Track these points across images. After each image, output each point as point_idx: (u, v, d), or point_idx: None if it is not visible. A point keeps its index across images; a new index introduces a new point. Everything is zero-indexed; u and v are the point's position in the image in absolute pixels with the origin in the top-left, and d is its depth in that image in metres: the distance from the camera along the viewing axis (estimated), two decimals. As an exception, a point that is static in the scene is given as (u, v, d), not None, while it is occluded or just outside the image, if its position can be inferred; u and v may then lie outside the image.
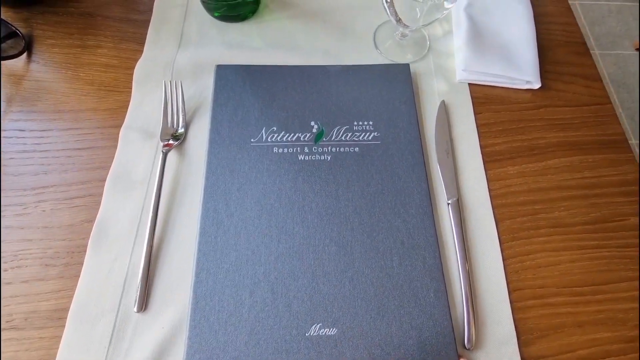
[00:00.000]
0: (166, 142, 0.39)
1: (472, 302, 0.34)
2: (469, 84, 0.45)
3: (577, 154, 0.42)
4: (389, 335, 0.32)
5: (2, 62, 0.43)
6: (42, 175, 0.38)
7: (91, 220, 0.36)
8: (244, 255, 0.34)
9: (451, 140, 0.42)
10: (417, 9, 0.38)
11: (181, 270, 0.34)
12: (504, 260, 0.36)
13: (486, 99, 0.45)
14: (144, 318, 0.33)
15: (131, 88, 0.43)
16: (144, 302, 0.33)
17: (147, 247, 0.34)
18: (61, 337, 0.32)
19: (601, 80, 0.46)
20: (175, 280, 0.34)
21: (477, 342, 0.33)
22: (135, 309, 0.32)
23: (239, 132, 0.40)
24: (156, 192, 0.36)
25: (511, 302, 0.34)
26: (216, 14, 0.47)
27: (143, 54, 0.45)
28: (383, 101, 0.42)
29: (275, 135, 0.40)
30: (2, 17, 0.44)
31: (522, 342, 0.33)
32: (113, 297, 0.33)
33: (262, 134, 0.40)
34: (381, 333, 0.32)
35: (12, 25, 0.44)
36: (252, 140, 0.39)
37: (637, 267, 0.36)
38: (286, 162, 0.38)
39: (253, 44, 0.47)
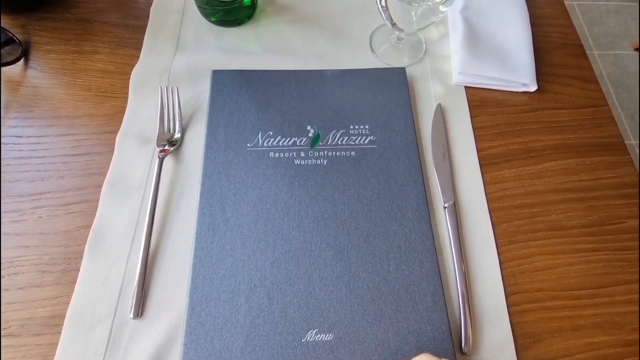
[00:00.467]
0: (162, 148, 0.39)
1: (469, 306, 0.34)
2: (465, 87, 0.45)
3: (574, 157, 0.42)
4: (386, 340, 0.32)
5: (0, 68, 0.43)
6: (38, 182, 0.38)
7: (88, 227, 0.36)
8: (240, 261, 0.34)
9: (448, 143, 0.42)
10: (412, 13, 0.38)
11: (177, 275, 0.34)
12: (501, 263, 0.36)
13: (482, 102, 0.45)
14: (140, 324, 0.33)
15: (128, 94, 0.43)
16: (140, 308, 0.33)
17: (143, 253, 0.34)
18: (58, 343, 0.31)
19: (598, 82, 0.46)
20: (172, 286, 0.34)
21: (474, 347, 0.33)
22: (131, 315, 0.32)
23: (235, 137, 0.40)
24: (152, 198, 0.36)
25: (508, 306, 0.34)
26: (213, 19, 0.47)
27: (139, 60, 0.45)
28: (379, 105, 0.42)
29: (272, 140, 0.40)
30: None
31: (520, 346, 0.33)
32: (109, 304, 0.33)
33: (258, 139, 0.40)
34: (378, 338, 0.32)
35: (9, 31, 0.44)
36: (248, 145, 0.39)
37: (635, 270, 0.36)
38: (282, 167, 0.38)
39: (249, 48, 0.47)
